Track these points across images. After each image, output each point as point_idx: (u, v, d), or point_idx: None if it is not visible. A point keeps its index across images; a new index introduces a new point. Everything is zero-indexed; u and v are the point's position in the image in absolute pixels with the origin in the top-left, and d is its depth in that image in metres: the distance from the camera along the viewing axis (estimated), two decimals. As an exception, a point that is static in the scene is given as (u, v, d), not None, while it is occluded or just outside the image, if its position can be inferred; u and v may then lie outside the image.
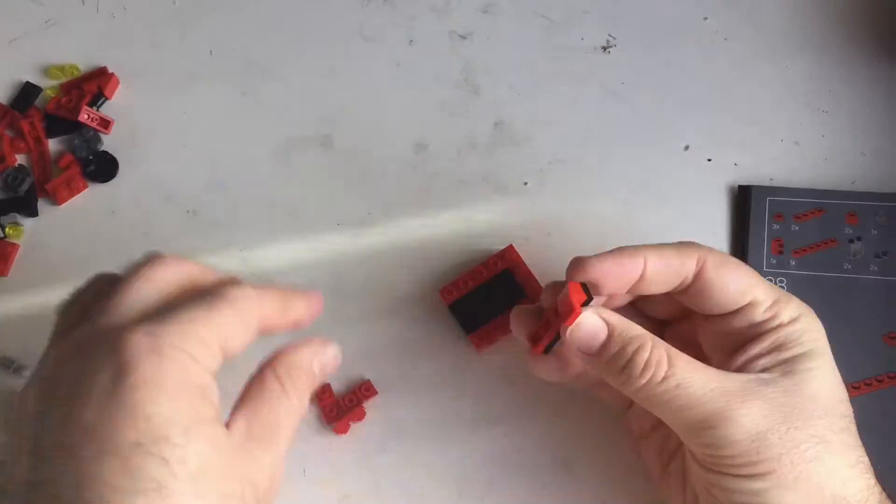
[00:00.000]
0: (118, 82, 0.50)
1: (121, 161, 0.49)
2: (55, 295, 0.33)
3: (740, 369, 0.33)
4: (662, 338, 0.33)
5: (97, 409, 0.26)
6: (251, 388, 0.32)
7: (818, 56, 0.47)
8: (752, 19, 0.48)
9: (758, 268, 0.43)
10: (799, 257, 0.43)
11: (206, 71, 0.51)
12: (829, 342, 0.33)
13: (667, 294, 0.35)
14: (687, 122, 0.47)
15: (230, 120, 0.50)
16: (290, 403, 0.32)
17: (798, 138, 0.46)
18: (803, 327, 0.33)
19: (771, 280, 0.42)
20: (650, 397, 0.31)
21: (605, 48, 0.49)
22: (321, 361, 0.33)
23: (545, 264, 0.45)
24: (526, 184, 0.47)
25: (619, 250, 0.34)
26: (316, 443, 0.43)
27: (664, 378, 0.31)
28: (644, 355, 0.32)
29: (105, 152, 0.49)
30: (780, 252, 0.43)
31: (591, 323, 0.33)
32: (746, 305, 0.34)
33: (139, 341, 0.27)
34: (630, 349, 0.32)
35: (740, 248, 0.44)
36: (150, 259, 0.32)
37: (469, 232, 0.46)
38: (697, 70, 0.48)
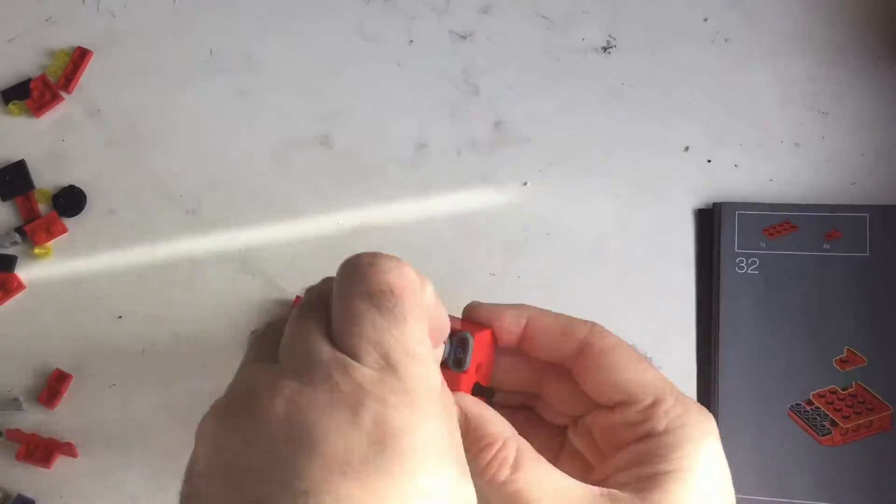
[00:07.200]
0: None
1: (120, 159, 0.49)
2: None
3: (600, 480, 0.32)
4: (576, 427, 0.34)
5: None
6: None
7: (819, 57, 0.47)
8: (752, 20, 0.48)
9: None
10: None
11: (206, 70, 0.51)
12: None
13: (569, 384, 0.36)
14: (687, 123, 0.47)
15: (230, 119, 0.50)
16: None
17: (798, 139, 0.46)
18: (676, 440, 0.31)
19: (742, 259, 0.43)
20: (492, 496, 0.31)
21: (605, 49, 0.49)
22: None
23: (545, 265, 0.45)
24: (526, 184, 0.47)
25: (507, 305, 0.35)
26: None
27: (503, 482, 0.30)
28: (489, 455, 0.31)
29: (72, 186, 0.48)
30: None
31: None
32: (622, 403, 0.33)
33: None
34: (480, 445, 0.31)
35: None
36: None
37: (469, 232, 0.46)
38: (697, 71, 0.48)
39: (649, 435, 0.32)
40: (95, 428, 0.45)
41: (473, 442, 0.31)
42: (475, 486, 0.29)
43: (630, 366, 0.33)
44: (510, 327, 0.35)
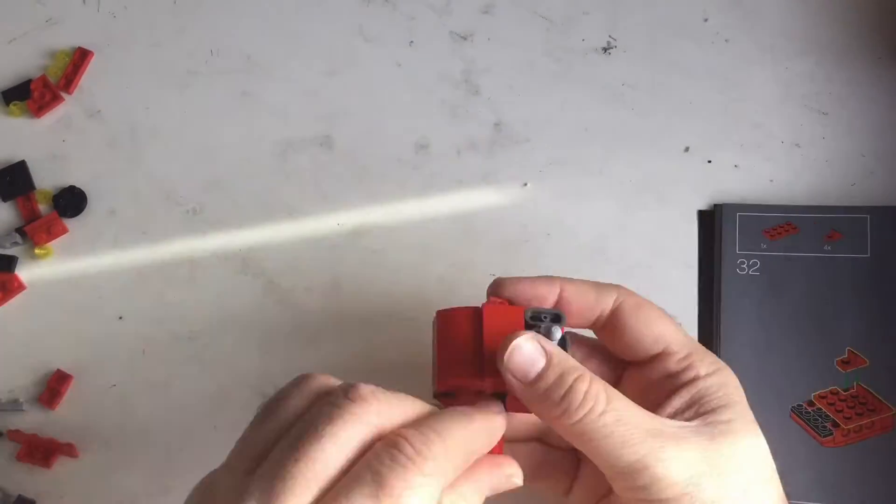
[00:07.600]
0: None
1: (120, 159, 0.49)
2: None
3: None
4: None
5: None
6: None
7: (819, 58, 0.47)
8: (752, 21, 0.48)
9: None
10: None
11: (206, 70, 0.51)
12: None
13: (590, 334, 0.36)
14: (687, 123, 0.47)
15: (230, 119, 0.50)
16: None
17: (798, 140, 0.46)
18: (720, 381, 0.33)
19: (743, 261, 0.43)
20: (587, 432, 0.30)
21: (605, 49, 0.49)
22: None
23: (545, 265, 0.45)
24: (526, 184, 0.47)
25: (537, 277, 0.34)
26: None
27: (603, 412, 0.30)
28: (584, 386, 0.30)
29: (73, 187, 0.48)
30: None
31: (529, 349, 0.31)
32: (660, 354, 0.34)
33: None
34: (569, 378, 0.30)
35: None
36: (341, 404, 0.27)
37: (469, 232, 0.46)
38: (698, 71, 0.48)
39: (695, 378, 0.33)
40: (95, 428, 0.45)
41: (562, 377, 0.30)
42: (565, 430, 0.30)
43: (664, 318, 0.35)
44: (548, 298, 0.34)
